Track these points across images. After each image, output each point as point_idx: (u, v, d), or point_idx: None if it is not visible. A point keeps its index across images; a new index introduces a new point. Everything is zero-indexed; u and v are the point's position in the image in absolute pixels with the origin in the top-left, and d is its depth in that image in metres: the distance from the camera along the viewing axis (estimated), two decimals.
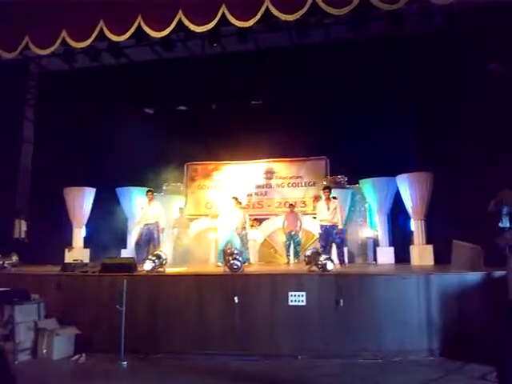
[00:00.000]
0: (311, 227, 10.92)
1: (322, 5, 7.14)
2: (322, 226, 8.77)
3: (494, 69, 5.48)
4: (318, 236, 9.14)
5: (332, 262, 6.61)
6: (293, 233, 10.28)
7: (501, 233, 3.55)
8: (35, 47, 8.33)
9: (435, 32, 8.96)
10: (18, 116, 11.24)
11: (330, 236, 8.72)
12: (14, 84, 10.67)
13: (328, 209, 8.71)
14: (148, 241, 9.22)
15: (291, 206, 10.82)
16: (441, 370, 4.93)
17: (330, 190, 9.07)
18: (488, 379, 4.36)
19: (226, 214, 9.27)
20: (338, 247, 8.88)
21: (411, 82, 9.42)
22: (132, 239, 10.70)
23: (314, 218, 10.90)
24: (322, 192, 9.48)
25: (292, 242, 10.38)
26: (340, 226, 8.76)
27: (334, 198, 9.18)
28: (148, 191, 9.64)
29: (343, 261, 8.84)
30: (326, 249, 8.50)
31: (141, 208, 9.70)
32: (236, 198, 9.51)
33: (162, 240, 9.84)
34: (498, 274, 5.49)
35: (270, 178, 12.29)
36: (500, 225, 3.56)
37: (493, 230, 3.62)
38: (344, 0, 7.11)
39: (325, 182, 11.49)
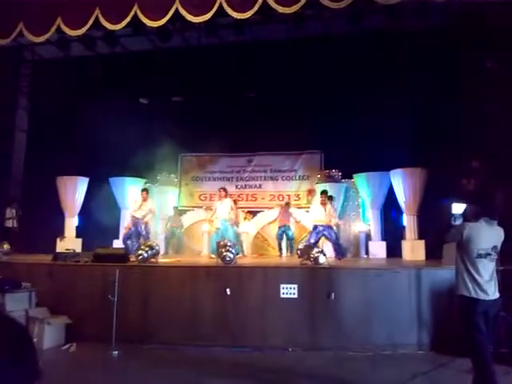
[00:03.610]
0: (304, 221, 10.96)
1: None
2: (316, 226, 8.77)
3: (490, 66, 5.49)
4: (308, 233, 9.13)
5: (324, 255, 6.64)
6: (286, 226, 10.30)
7: (449, 229, 3.68)
8: (29, 34, 8.21)
9: (433, 28, 8.95)
10: (11, 104, 11.14)
11: (323, 235, 8.74)
12: (7, 71, 10.56)
13: (324, 211, 8.69)
14: (138, 233, 9.18)
15: (287, 204, 10.83)
16: (430, 364, 5.00)
17: (327, 195, 9.05)
18: None
19: (218, 206, 9.26)
20: (334, 243, 8.83)
21: (407, 78, 9.42)
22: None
23: (308, 212, 10.94)
24: (318, 192, 9.34)
25: (285, 236, 10.41)
26: (333, 222, 8.77)
27: (331, 197, 9.19)
28: (142, 191, 9.51)
29: (342, 253, 8.84)
30: (316, 245, 8.52)
31: (134, 201, 9.59)
32: (224, 189, 9.49)
33: (155, 232, 9.82)
34: None
35: (265, 171, 12.29)
36: (452, 222, 3.66)
37: (445, 226, 3.76)
38: None
39: (319, 176, 11.52)
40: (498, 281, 3.62)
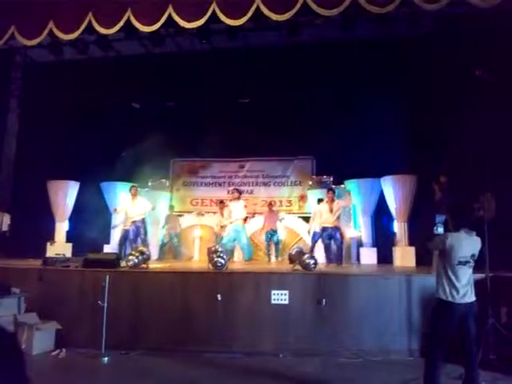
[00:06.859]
0: (295, 226, 10.97)
1: (313, 5, 7.18)
2: (324, 228, 8.69)
3: (479, 75, 5.56)
4: (311, 235, 9.12)
5: (316, 261, 6.65)
6: (272, 232, 10.26)
7: (432, 238, 3.97)
8: (21, 38, 8.19)
9: (424, 36, 9.05)
10: (1, 107, 11.06)
11: (331, 238, 8.71)
12: None
13: (331, 211, 8.62)
14: (135, 238, 9.12)
15: (270, 204, 10.75)
16: (420, 370, 4.99)
17: (334, 192, 9.00)
18: None
19: (233, 209, 9.27)
20: (338, 247, 8.81)
21: (398, 85, 9.52)
22: (115, 235, 10.56)
23: (300, 217, 11.00)
24: (325, 194, 9.21)
25: (271, 241, 10.36)
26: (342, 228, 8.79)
27: (321, 199, 9.22)
28: (131, 187, 9.49)
29: (341, 260, 8.85)
30: (313, 249, 8.55)
31: (124, 206, 9.47)
32: (237, 190, 9.56)
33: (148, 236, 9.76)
34: (478, 276, 5.57)
35: (257, 177, 12.30)
36: (435, 231, 3.97)
37: (428, 235, 4.06)
38: (334, 1, 7.16)
39: (310, 182, 11.57)
40: (487, 287, 3.77)
